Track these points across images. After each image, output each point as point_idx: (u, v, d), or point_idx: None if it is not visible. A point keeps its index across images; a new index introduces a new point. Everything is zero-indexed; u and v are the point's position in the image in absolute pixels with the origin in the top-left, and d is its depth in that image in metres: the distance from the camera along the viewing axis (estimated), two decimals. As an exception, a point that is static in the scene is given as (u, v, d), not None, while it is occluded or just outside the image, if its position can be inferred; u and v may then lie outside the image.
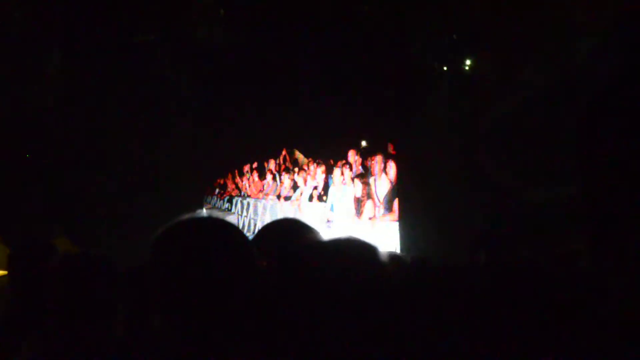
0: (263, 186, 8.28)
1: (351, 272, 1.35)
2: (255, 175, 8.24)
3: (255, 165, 8.38)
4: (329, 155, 7.87)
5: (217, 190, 8.35)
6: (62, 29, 6.03)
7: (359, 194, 7.88)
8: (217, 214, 6.95)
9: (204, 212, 7.54)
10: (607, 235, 4.09)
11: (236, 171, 8.51)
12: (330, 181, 7.63)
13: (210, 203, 7.81)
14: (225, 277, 1.48)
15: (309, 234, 1.92)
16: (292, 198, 7.83)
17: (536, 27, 5.16)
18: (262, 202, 8.01)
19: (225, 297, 1.46)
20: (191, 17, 6.40)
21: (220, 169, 7.67)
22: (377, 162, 7.29)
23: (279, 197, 7.98)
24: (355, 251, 1.40)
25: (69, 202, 6.05)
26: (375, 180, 6.86)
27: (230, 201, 8.47)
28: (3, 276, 5.63)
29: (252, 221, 8.15)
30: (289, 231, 2.01)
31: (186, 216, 1.57)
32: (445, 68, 5.97)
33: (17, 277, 2.73)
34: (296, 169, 8.06)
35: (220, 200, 8.82)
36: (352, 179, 7.53)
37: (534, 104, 5.14)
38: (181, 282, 1.47)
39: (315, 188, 7.67)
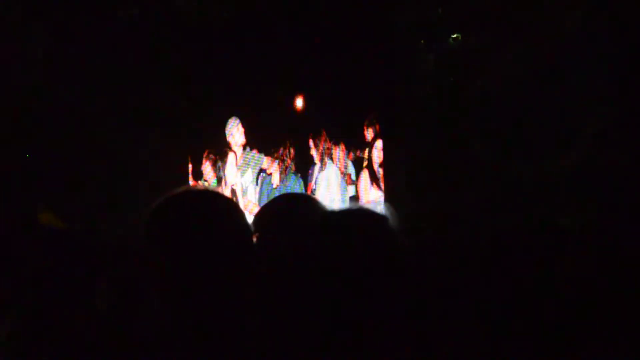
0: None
1: (364, 243, 1.33)
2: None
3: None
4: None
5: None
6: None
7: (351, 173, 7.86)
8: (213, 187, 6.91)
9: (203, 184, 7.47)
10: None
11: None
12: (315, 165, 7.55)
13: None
14: (222, 252, 1.46)
15: (317, 207, 1.91)
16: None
17: (524, 1, 5.15)
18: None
19: (223, 273, 1.45)
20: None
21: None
22: (372, 132, 7.24)
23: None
24: (366, 221, 1.39)
25: (54, 176, 5.99)
26: (372, 152, 6.78)
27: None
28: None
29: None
30: (295, 205, 2.00)
31: (180, 189, 1.55)
32: (429, 43, 5.95)
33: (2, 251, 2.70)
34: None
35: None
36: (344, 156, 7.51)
37: (519, 77, 5.14)
38: (175, 257, 1.45)
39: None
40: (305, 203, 2.05)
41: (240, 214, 1.56)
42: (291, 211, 1.97)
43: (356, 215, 1.43)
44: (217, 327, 1.43)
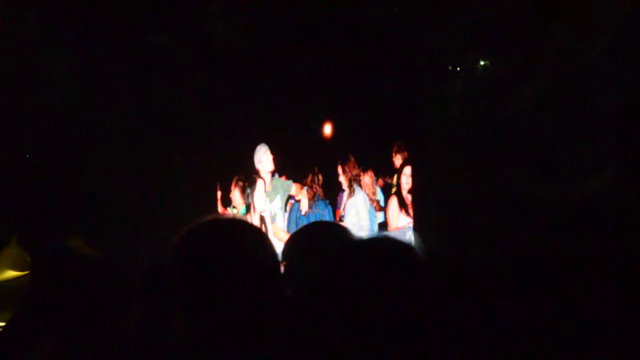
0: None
1: (389, 273, 1.33)
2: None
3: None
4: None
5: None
6: (70, 27, 6.05)
7: (380, 199, 7.83)
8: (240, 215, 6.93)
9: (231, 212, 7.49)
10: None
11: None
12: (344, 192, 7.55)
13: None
14: (249, 282, 1.46)
15: (345, 235, 1.91)
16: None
17: (549, 25, 5.13)
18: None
19: (249, 302, 1.45)
20: (208, 15, 6.41)
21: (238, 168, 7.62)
22: (400, 158, 7.23)
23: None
24: (391, 251, 1.38)
25: (82, 202, 6.05)
26: (400, 178, 6.77)
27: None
28: (19, 277, 5.67)
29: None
30: (323, 234, 2.00)
31: (209, 217, 1.56)
32: (458, 68, 5.95)
33: (36, 279, 2.74)
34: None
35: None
36: (374, 182, 7.50)
37: (548, 102, 5.11)
38: (203, 285, 1.45)
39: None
40: (334, 231, 2.05)
41: (268, 243, 1.56)
42: (319, 240, 1.97)
43: (382, 244, 1.42)
44: (244, 354, 1.43)
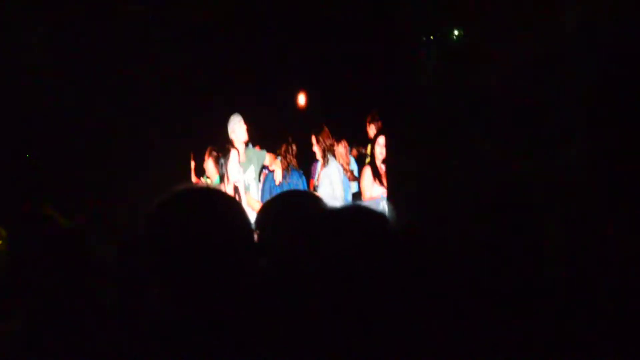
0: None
1: (363, 242, 1.33)
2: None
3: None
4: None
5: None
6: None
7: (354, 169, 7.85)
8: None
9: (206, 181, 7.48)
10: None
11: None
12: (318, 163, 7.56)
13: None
14: (224, 250, 1.47)
15: (318, 204, 1.92)
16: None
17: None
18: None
19: (224, 270, 1.45)
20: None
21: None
22: (374, 128, 7.23)
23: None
24: (365, 220, 1.39)
25: (54, 173, 6.00)
26: (374, 148, 6.78)
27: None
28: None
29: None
30: (296, 203, 2.00)
31: (183, 186, 1.56)
32: (432, 37, 5.94)
33: (14, 246, 2.73)
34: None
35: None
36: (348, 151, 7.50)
37: (523, 72, 5.13)
38: (178, 254, 1.46)
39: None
40: (307, 200, 2.05)
41: (241, 212, 1.57)
42: (292, 209, 1.98)
43: (355, 213, 1.43)
44: (219, 323, 1.44)
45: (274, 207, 2.10)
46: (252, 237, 1.54)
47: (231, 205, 1.57)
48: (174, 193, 1.53)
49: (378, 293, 1.32)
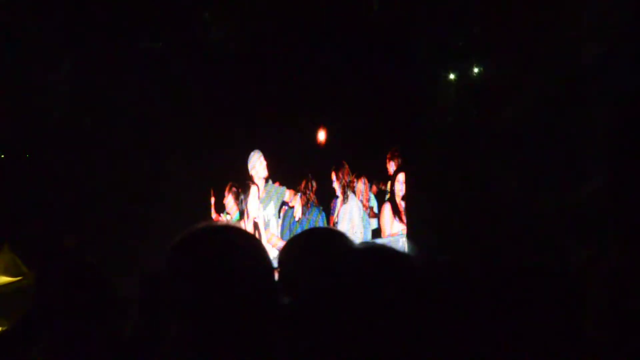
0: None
1: (386, 280, 1.32)
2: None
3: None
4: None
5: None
6: (67, 33, 6.05)
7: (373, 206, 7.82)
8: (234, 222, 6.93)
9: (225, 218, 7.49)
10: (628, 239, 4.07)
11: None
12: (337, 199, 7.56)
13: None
14: (243, 288, 1.46)
15: (342, 242, 1.91)
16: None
17: (543, 32, 5.15)
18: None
19: (244, 309, 1.45)
20: (201, 21, 6.41)
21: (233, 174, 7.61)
22: (394, 165, 7.23)
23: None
24: (388, 258, 1.38)
25: (77, 209, 6.04)
26: (394, 185, 6.77)
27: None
28: (12, 283, 5.66)
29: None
30: (319, 240, 1.99)
31: (204, 223, 1.56)
32: (451, 75, 5.96)
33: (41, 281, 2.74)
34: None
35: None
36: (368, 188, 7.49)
37: (542, 109, 5.12)
38: (198, 292, 1.45)
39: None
40: (330, 237, 2.03)
41: (261, 249, 1.56)
42: (316, 246, 1.96)
43: (378, 253, 1.42)
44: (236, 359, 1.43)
45: (297, 244, 2.08)
46: (273, 275, 1.54)
47: (251, 243, 1.56)
48: (193, 230, 1.53)
49: (403, 334, 1.30)
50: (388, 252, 1.41)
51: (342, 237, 2.04)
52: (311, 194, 7.43)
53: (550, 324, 1.89)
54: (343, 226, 7.17)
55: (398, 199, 6.68)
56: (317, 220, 7.35)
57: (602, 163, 4.57)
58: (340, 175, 7.35)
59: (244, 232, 1.58)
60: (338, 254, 1.42)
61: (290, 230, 7.32)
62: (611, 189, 4.42)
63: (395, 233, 6.65)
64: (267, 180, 7.51)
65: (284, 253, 2.07)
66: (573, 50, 4.98)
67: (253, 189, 7.16)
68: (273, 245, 6.99)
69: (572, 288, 2.09)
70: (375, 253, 1.40)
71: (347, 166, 7.38)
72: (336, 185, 7.39)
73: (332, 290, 1.32)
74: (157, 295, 1.78)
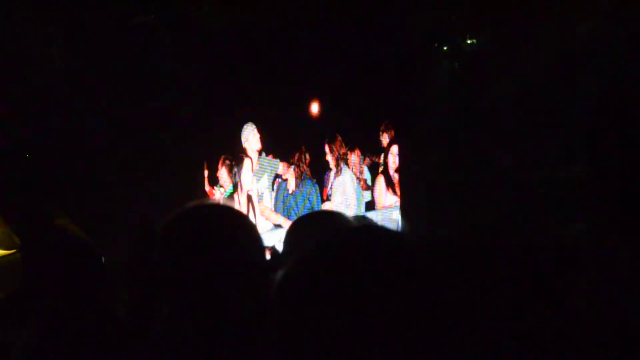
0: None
1: (378, 262, 1.32)
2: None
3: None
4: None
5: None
6: (62, 18, 6.01)
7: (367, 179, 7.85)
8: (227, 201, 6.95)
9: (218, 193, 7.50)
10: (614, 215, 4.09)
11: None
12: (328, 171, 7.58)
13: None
14: (235, 268, 1.47)
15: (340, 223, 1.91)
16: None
17: (539, 6, 5.13)
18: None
19: (235, 289, 1.46)
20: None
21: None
22: (387, 137, 7.24)
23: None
24: (381, 239, 1.37)
25: (69, 181, 6.03)
26: (387, 157, 6.78)
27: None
28: (6, 256, 5.67)
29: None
30: (320, 222, 1.99)
31: (194, 202, 1.56)
32: (444, 48, 5.94)
33: (27, 258, 2.76)
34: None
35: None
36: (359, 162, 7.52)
37: (536, 84, 5.12)
38: (189, 271, 1.46)
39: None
40: (331, 220, 2.03)
41: (252, 227, 1.57)
42: (314, 230, 1.96)
43: (368, 232, 1.41)
44: (228, 338, 1.44)
45: (301, 225, 2.07)
46: (264, 254, 1.55)
47: (242, 221, 1.57)
48: (184, 210, 1.54)
49: (392, 317, 1.31)
50: (379, 231, 1.41)
51: (346, 220, 2.03)
52: (304, 166, 7.44)
53: (545, 300, 1.90)
54: (336, 198, 7.20)
55: (391, 171, 6.69)
56: (311, 193, 7.37)
57: (590, 141, 4.58)
58: (334, 147, 7.36)
59: (234, 211, 1.59)
60: (328, 233, 1.42)
61: (284, 203, 7.35)
62: (598, 172, 4.44)
63: (388, 205, 6.67)
64: (260, 152, 7.52)
65: (288, 234, 2.06)
66: (568, 26, 4.97)
67: (246, 161, 7.16)
68: (267, 217, 7.01)
69: (566, 264, 2.11)
70: (365, 232, 1.40)
71: (340, 138, 7.39)
72: (330, 157, 7.41)
73: (320, 270, 1.32)
74: (148, 275, 1.79)
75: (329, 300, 1.27)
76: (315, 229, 1.96)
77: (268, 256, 1.82)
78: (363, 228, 1.40)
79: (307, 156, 7.50)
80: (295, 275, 1.30)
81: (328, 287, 1.24)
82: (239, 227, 1.55)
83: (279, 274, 1.43)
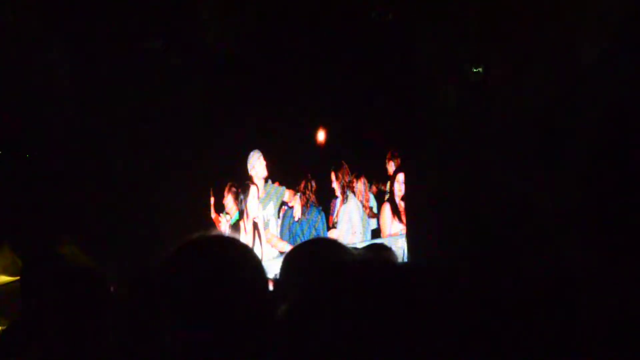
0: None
1: (375, 297, 1.31)
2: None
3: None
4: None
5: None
6: (66, 31, 6.04)
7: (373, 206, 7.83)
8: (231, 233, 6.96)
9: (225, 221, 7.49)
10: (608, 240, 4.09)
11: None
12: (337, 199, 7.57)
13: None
14: (236, 302, 1.46)
15: (339, 253, 1.90)
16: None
17: (543, 33, 5.15)
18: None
19: (236, 322, 1.45)
20: (200, 20, 6.41)
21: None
22: (394, 165, 7.24)
23: None
24: (379, 274, 1.37)
25: (78, 209, 6.04)
26: (394, 185, 6.78)
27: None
28: (11, 282, 5.67)
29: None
30: (318, 252, 1.98)
31: (198, 235, 1.56)
32: (451, 75, 5.96)
33: (26, 286, 2.77)
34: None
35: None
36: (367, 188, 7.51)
37: (542, 109, 5.12)
38: (191, 304, 1.46)
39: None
40: (332, 250, 2.02)
41: (255, 260, 1.57)
42: (314, 259, 1.95)
43: (371, 267, 1.41)
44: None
45: (298, 254, 2.07)
46: (266, 286, 1.54)
47: (245, 255, 1.57)
48: (187, 243, 1.54)
49: (393, 347, 1.30)
50: (381, 266, 1.41)
51: (343, 249, 2.03)
52: (311, 194, 7.43)
53: (547, 329, 1.89)
54: (342, 226, 7.18)
55: (397, 199, 6.69)
56: (317, 220, 7.36)
57: (592, 164, 4.58)
58: (340, 175, 7.36)
59: (238, 244, 1.58)
60: (331, 266, 1.42)
61: (290, 231, 7.33)
62: (595, 189, 4.44)
63: (394, 233, 6.65)
64: (266, 180, 7.52)
65: (285, 262, 2.06)
66: (573, 51, 4.98)
67: (252, 188, 7.16)
68: (273, 245, 7.00)
69: (569, 291, 2.10)
70: (367, 267, 1.40)
71: (346, 166, 7.39)
72: (336, 185, 7.40)
73: (322, 303, 1.32)
74: (149, 304, 1.78)
75: (331, 337, 1.27)
76: (311, 260, 1.96)
77: (271, 287, 1.82)
78: (365, 262, 1.40)
79: (313, 184, 7.50)
80: (298, 316, 1.30)
81: (329, 326, 1.24)
82: (242, 260, 1.54)
83: (282, 309, 1.43)
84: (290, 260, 2.03)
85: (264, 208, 7.33)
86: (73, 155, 6.19)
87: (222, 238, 1.61)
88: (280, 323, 1.27)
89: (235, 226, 7.45)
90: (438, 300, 1.58)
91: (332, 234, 7.29)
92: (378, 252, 2.54)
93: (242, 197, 7.21)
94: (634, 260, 3.84)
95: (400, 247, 6.47)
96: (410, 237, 6.35)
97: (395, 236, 6.59)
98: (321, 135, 9.10)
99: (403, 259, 5.95)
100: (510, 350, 1.86)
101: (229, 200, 7.51)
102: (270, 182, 7.59)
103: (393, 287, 1.32)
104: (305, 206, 7.40)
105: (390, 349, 1.29)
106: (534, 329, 1.92)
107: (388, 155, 7.47)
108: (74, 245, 5.37)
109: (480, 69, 5.76)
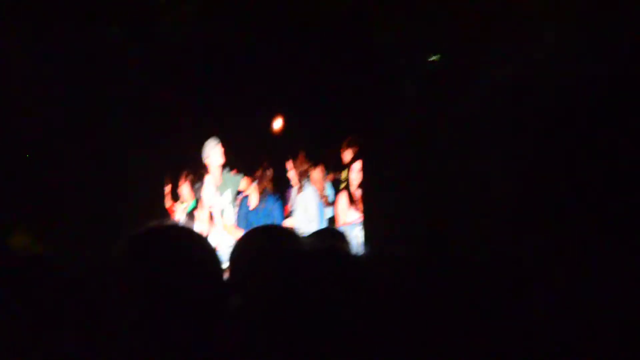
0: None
1: (336, 285, 1.32)
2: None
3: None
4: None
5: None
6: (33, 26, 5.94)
7: (329, 195, 7.84)
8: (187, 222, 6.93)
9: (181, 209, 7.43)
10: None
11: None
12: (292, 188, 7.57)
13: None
14: (190, 290, 1.46)
15: (292, 242, 1.91)
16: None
17: (500, 22, 5.19)
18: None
19: (192, 312, 1.45)
20: (153, 8, 6.33)
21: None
22: (350, 154, 7.25)
23: None
24: (337, 262, 1.38)
25: (28, 198, 5.94)
26: (350, 173, 6.79)
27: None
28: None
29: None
30: (272, 241, 1.98)
31: (152, 223, 1.55)
32: (409, 63, 5.98)
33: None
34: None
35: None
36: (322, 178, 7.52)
37: (498, 101, 5.18)
38: (144, 295, 1.45)
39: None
40: (282, 237, 2.03)
41: (209, 250, 1.56)
42: (265, 247, 1.96)
43: (326, 256, 1.42)
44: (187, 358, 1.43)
45: (247, 243, 2.07)
46: (221, 275, 1.53)
47: (199, 244, 1.56)
48: (141, 232, 1.53)
49: (351, 333, 1.31)
50: (335, 255, 1.41)
51: (293, 236, 2.04)
52: (267, 182, 7.42)
53: (500, 312, 1.92)
54: (299, 215, 7.18)
55: (353, 188, 6.71)
56: (273, 209, 7.35)
57: (548, 154, 4.65)
58: (297, 163, 7.36)
59: (192, 233, 1.58)
60: (288, 257, 1.42)
61: (246, 219, 7.31)
62: (549, 177, 4.51)
63: (350, 222, 6.68)
64: (223, 168, 7.48)
65: (235, 252, 2.06)
66: (529, 40, 5.03)
67: (208, 177, 7.12)
68: (229, 233, 6.98)
69: (523, 280, 2.12)
70: (323, 256, 1.41)
71: (302, 154, 7.39)
72: (292, 173, 7.40)
73: (283, 296, 1.32)
74: (104, 293, 1.76)
75: (295, 325, 1.27)
76: (263, 249, 1.96)
77: (226, 275, 1.81)
78: (320, 251, 1.40)
79: (270, 172, 7.48)
80: (253, 310, 1.30)
81: (284, 317, 1.25)
82: (196, 250, 1.54)
83: (237, 298, 1.43)
84: (239, 249, 2.04)
85: (220, 196, 7.29)
86: (26, 144, 6.09)
87: (176, 227, 1.60)
88: (236, 314, 1.27)
89: (191, 215, 7.41)
90: (391, 290, 1.59)
91: (288, 223, 7.29)
92: (329, 240, 2.55)
93: (198, 185, 7.16)
94: (586, 248, 3.92)
95: (355, 235, 6.49)
96: (366, 226, 6.38)
97: (351, 224, 6.61)
98: (278, 124, 9.09)
99: (359, 247, 5.97)
100: (463, 338, 1.87)
101: (184, 189, 7.46)
102: (226, 170, 7.55)
103: (342, 278, 1.33)
104: (261, 194, 7.39)
105: (342, 339, 1.30)
106: (486, 318, 1.94)
107: (344, 144, 7.48)
108: (27, 235, 5.28)
109: (437, 59, 5.80)
